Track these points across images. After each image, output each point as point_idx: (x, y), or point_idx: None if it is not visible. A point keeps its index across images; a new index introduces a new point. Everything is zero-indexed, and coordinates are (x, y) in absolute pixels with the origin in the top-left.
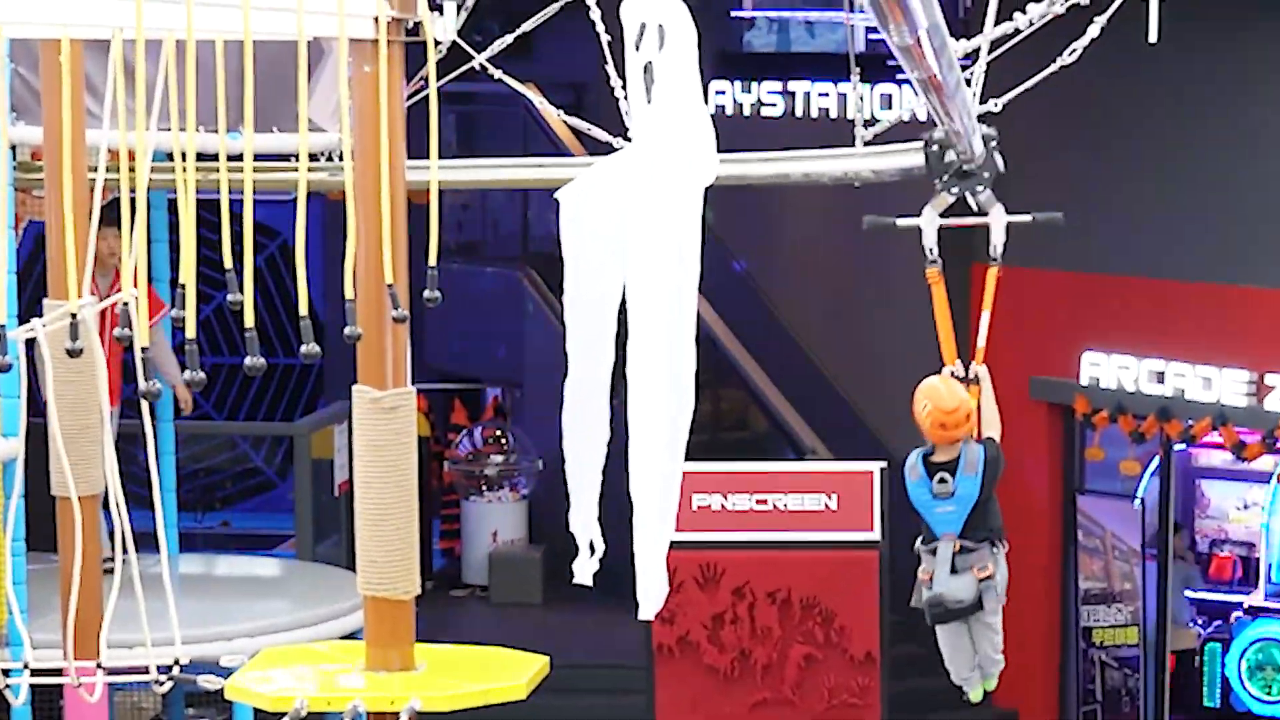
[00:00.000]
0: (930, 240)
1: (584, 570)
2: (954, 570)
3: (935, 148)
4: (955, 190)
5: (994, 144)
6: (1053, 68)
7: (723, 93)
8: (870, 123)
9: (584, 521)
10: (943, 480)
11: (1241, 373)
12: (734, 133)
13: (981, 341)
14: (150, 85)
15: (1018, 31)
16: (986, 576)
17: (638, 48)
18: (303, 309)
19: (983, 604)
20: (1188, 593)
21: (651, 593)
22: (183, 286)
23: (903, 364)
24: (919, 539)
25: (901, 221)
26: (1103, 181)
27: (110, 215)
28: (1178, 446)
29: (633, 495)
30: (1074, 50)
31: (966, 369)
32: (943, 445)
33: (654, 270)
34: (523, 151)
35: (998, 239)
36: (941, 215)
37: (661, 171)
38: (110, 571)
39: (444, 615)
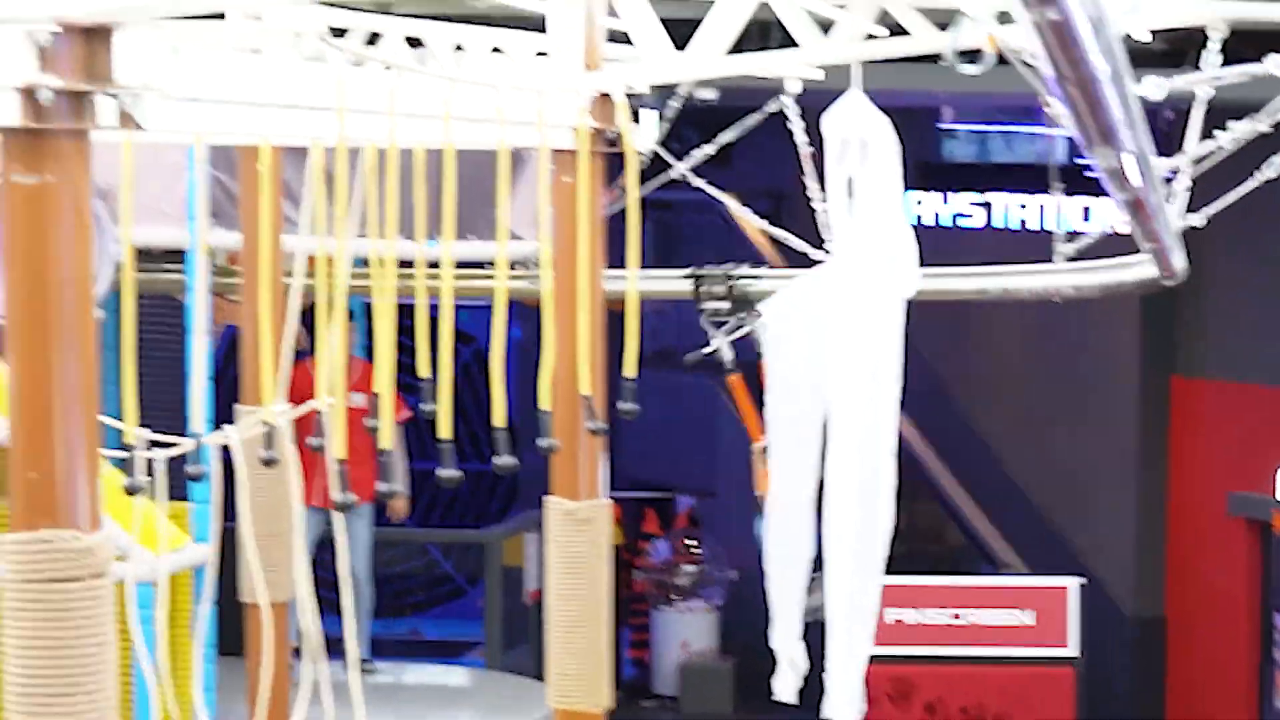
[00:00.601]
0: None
1: (786, 687)
2: None
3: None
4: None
5: None
6: (1253, 183)
7: (921, 203)
8: (1071, 236)
9: (786, 638)
10: None
11: None
12: (932, 244)
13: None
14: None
15: (1220, 149)
16: None
17: (840, 161)
18: (499, 421)
19: None
20: None
21: (845, 709)
22: (378, 395)
23: (1099, 479)
24: None
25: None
26: None
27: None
28: None
29: (827, 610)
30: (1275, 164)
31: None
32: None
33: (855, 384)
34: (720, 259)
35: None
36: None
37: (862, 285)
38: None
39: None
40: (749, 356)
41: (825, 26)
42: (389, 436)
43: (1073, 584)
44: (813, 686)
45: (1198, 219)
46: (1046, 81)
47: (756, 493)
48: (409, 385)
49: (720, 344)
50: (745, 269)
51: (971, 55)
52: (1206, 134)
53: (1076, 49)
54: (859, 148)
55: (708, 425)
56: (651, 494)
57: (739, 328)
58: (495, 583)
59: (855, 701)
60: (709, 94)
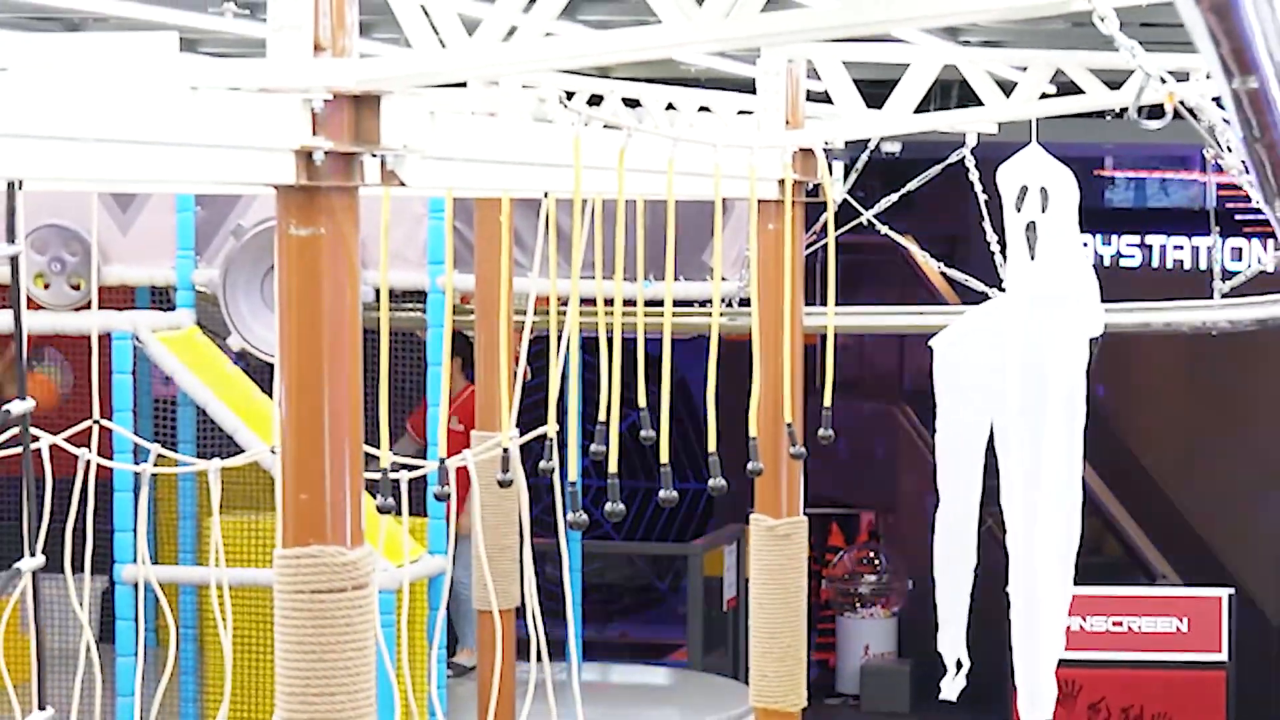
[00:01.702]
0: None
1: (952, 688)
2: None
3: None
4: None
5: None
6: None
7: (1085, 244)
8: (1226, 275)
9: (952, 642)
10: None
11: None
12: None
13: None
14: (577, 236)
15: None
16: None
17: (1019, 209)
18: (711, 445)
19: None
20: None
21: (1037, 704)
22: (605, 424)
23: (1249, 497)
24: None
25: None
26: None
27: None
28: None
29: (1013, 614)
30: None
31: None
32: None
33: (1044, 411)
34: (900, 297)
35: None
36: None
37: (1049, 320)
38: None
39: None
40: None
41: (1004, 86)
42: (615, 462)
43: (1224, 594)
44: (983, 685)
45: None
46: (1224, 138)
47: None
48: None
49: None
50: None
51: (1147, 110)
52: None
53: (1270, 114)
54: (1039, 195)
55: (887, 447)
56: (836, 510)
57: None
58: (697, 591)
59: (1048, 702)
60: (894, 147)
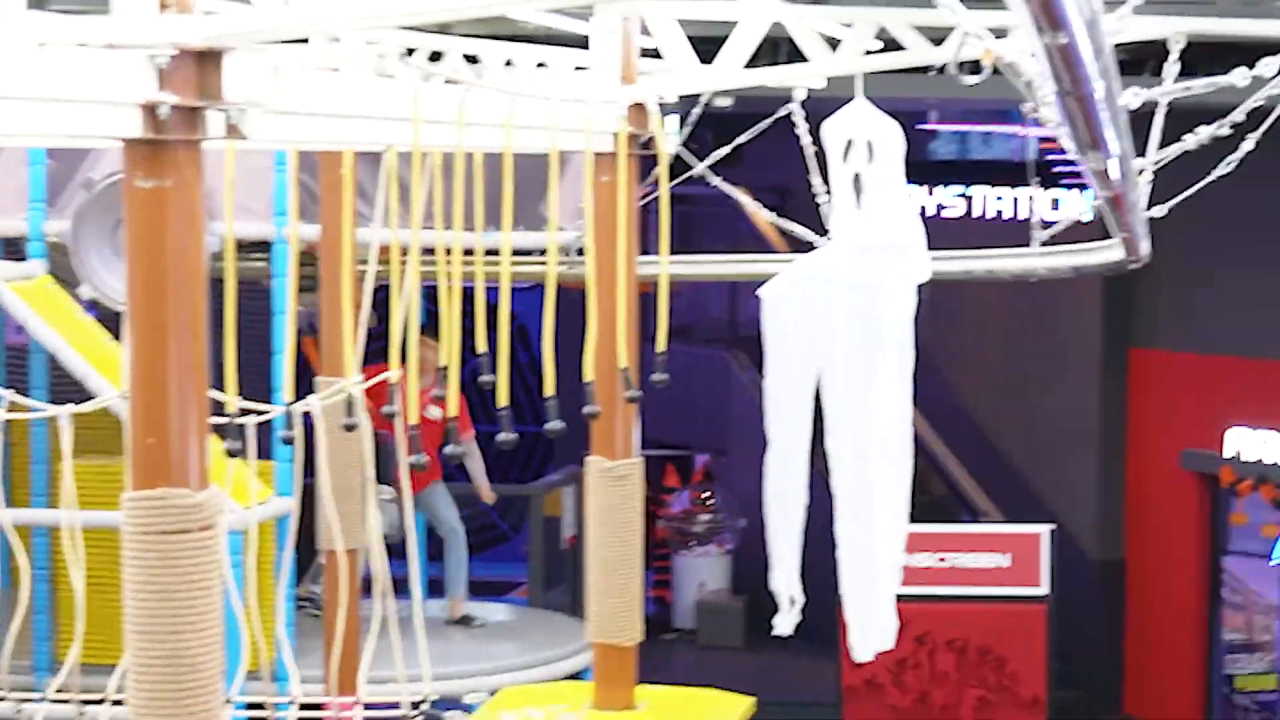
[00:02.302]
0: None
1: (785, 623)
2: None
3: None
4: None
5: None
6: (1211, 177)
7: (909, 195)
8: (1044, 225)
9: (785, 579)
10: None
11: None
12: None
13: None
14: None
15: (1185, 150)
16: None
17: (845, 159)
18: (549, 390)
19: None
20: None
21: (867, 639)
22: (444, 369)
23: (1066, 438)
24: None
25: None
26: (1252, 275)
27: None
28: None
29: (841, 552)
30: (1230, 162)
31: None
32: None
33: (869, 354)
34: (732, 246)
35: None
36: None
37: (875, 268)
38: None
39: (655, 656)
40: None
41: (829, 42)
42: (454, 405)
43: (1043, 531)
44: (811, 621)
45: (1159, 210)
46: (1040, 92)
47: None
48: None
49: None
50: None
51: (967, 66)
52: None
53: (1079, 69)
54: (865, 147)
55: (721, 391)
56: (672, 452)
57: None
58: (537, 530)
59: (882, 633)
60: (725, 101)
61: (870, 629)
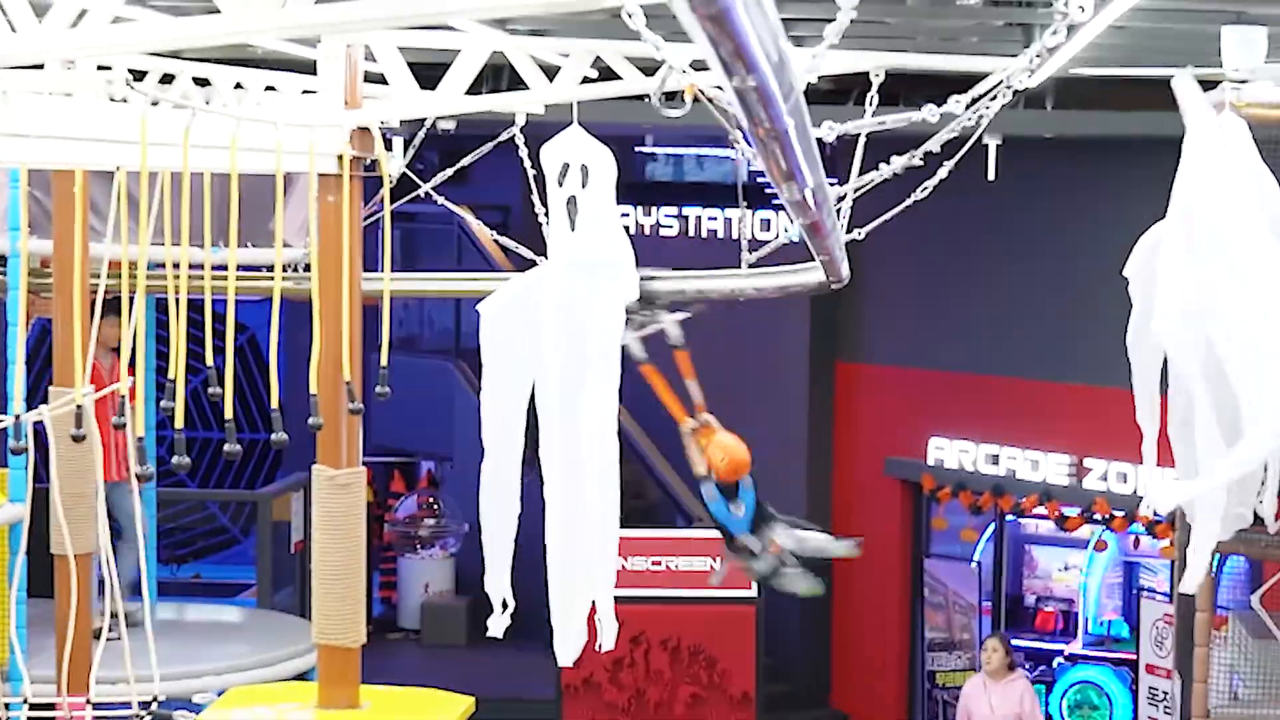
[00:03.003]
0: (638, 351)
1: (497, 625)
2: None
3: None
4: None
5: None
6: (908, 202)
7: (627, 215)
8: (754, 245)
9: (498, 583)
10: (736, 505)
11: (1064, 456)
12: (637, 250)
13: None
14: (145, 208)
15: (884, 179)
16: (777, 551)
17: (561, 183)
18: (274, 403)
19: (785, 563)
20: (1017, 640)
21: (569, 642)
22: (172, 381)
23: (776, 447)
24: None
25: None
26: (949, 294)
27: (113, 306)
28: (1009, 518)
29: (549, 558)
30: (926, 188)
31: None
32: (728, 480)
33: (580, 369)
34: (456, 263)
35: (675, 333)
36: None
37: (586, 286)
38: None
39: (381, 655)
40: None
41: (548, 70)
42: (181, 418)
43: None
44: (532, 621)
45: (858, 234)
46: (741, 128)
47: (696, 471)
48: (191, 367)
49: (630, 340)
50: (649, 270)
51: (672, 96)
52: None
53: (771, 108)
54: (580, 171)
55: (445, 400)
56: (397, 459)
57: (644, 325)
58: (266, 534)
59: (576, 640)
60: (449, 125)
61: (571, 634)
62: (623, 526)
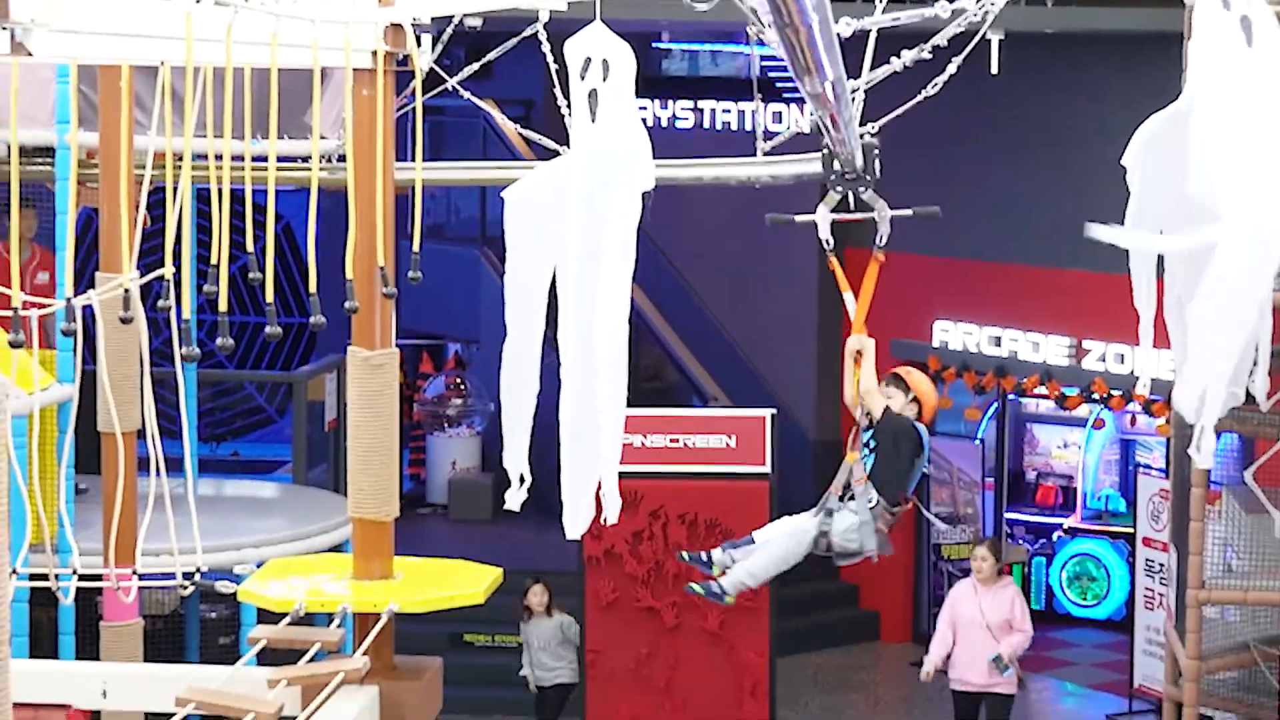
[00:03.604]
0: (825, 233)
1: (514, 499)
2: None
3: (827, 153)
4: (842, 190)
5: (875, 154)
6: (919, 98)
7: (644, 109)
8: (767, 136)
9: (516, 458)
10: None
11: (1064, 338)
12: (653, 143)
13: (860, 319)
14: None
15: (894, 72)
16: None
17: (583, 77)
18: (311, 287)
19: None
20: (1018, 514)
21: (578, 517)
22: (215, 266)
23: (788, 330)
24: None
25: (800, 218)
26: (956, 184)
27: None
28: (1011, 397)
29: (562, 436)
30: (936, 84)
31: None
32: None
33: (598, 255)
34: (482, 154)
35: (884, 230)
36: (833, 211)
37: (606, 176)
38: None
39: (411, 529)
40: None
41: None
42: (225, 301)
43: (767, 414)
44: (555, 496)
45: (871, 128)
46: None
47: (848, 398)
48: (231, 255)
49: (821, 219)
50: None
51: None
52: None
53: (798, 2)
54: (601, 66)
55: (472, 286)
56: (426, 341)
57: (845, 207)
58: (301, 414)
59: (585, 514)
60: (475, 21)
61: (581, 510)
62: (641, 406)
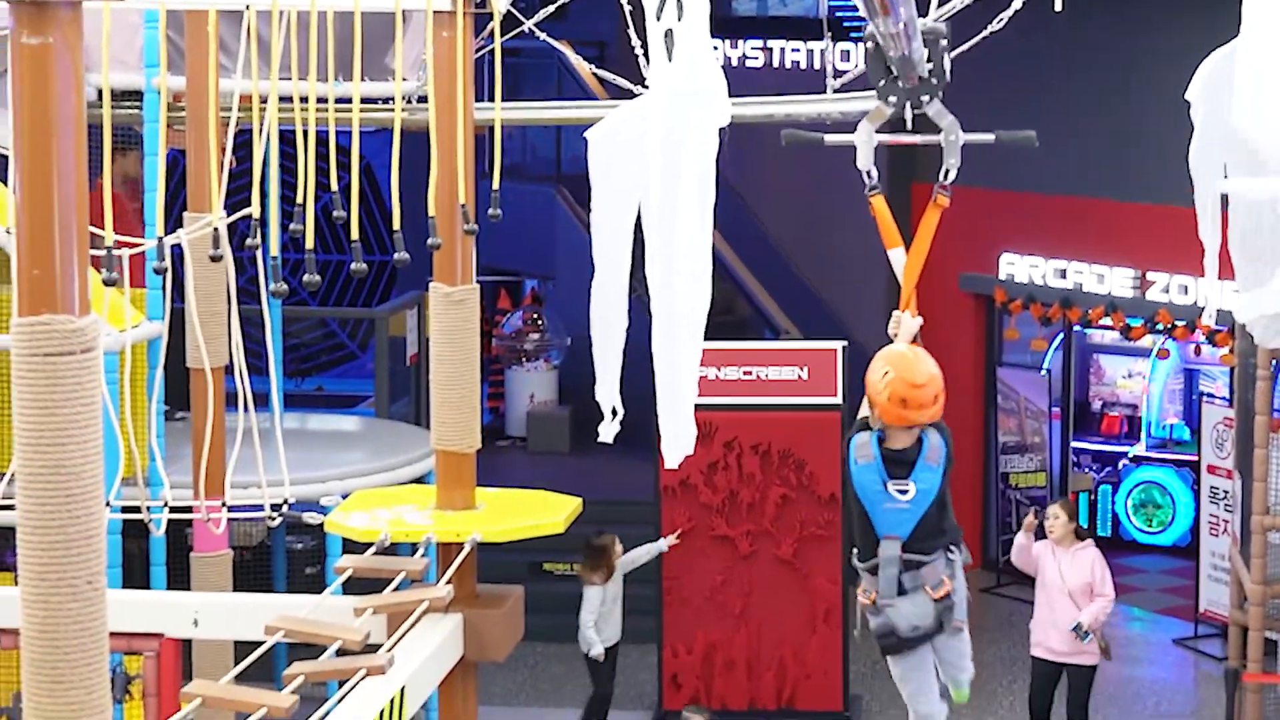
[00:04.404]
0: (865, 161)
1: (608, 431)
2: (903, 590)
3: (873, 46)
4: (896, 101)
5: (943, 47)
6: (984, 34)
7: (715, 48)
8: (836, 74)
9: (608, 393)
10: (901, 484)
11: (1128, 270)
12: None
13: (909, 289)
14: (276, 45)
15: (959, 9)
16: (943, 596)
17: (658, 17)
18: (395, 224)
19: (943, 626)
20: (1084, 444)
21: (677, 445)
22: (301, 206)
23: (861, 262)
24: (854, 552)
25: (830, 138)
26: (1019, 119)
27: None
28: (1076, 328)
29: (656, 368)
30: (1001, 19)
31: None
32: (896, 430)
33: (680, 193)
34: (556, 94)
35: (951, 161)
36: (880, 131)
37: (684, 113)
38: None
39: (490, 461)
40: None
41: None
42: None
43: (838, 346)
44: (630, 429)
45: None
46: None
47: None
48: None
49: (862, 146)
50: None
51: None
52: None
53: None
54: (675, 5)
55: (547, 223)
56: (504, 278)
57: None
58: (383, 349)
59: (688, 440)
60: None
61: (679, 437)
62: (715, 339)
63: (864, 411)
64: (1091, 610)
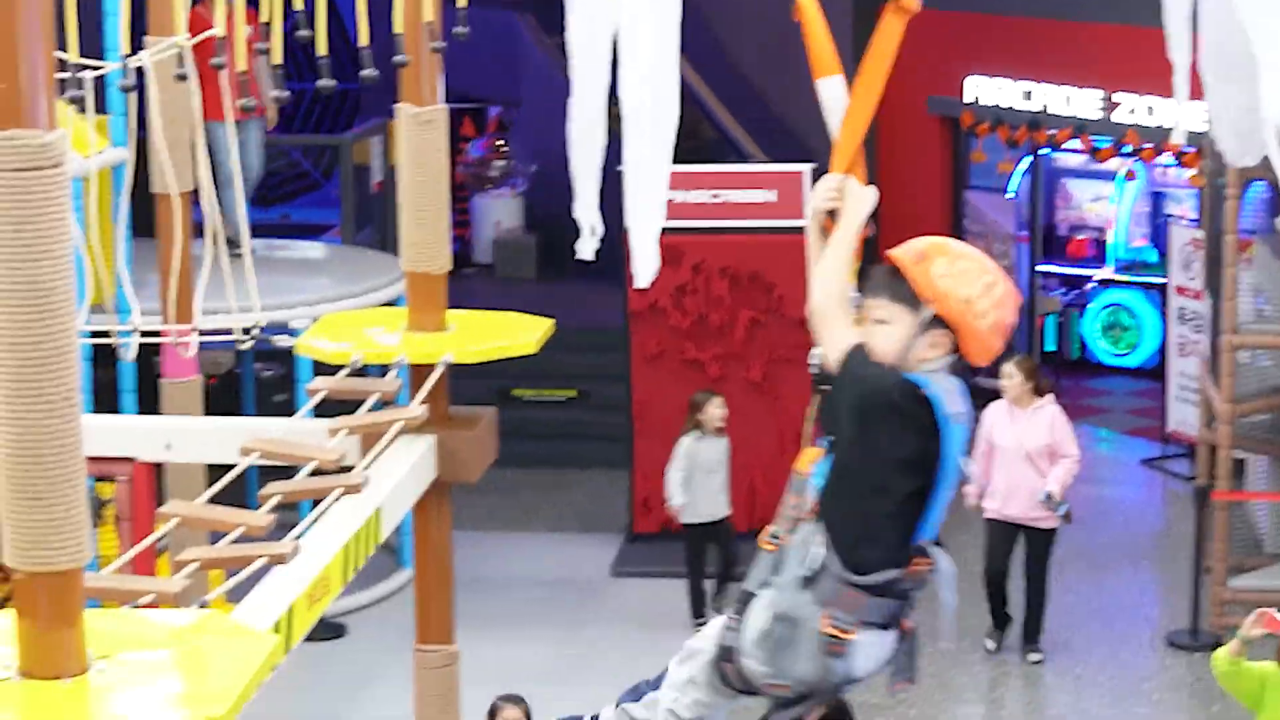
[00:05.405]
0: None
1: (587, 248)
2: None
3: None
4: None
5: None
6: None
7: None
8: None
9: (587, 209)
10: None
11: (1095, 92)
12: None
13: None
14: None
15: None
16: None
17: None
18: (363, 40)
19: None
20: (1051, 267)
21: (645, 267)
22: (267, 23)
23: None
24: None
25: None
26: None
27: None
28: (1044, 151)
29: (626, 189)
30: None
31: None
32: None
33: (646, 14)
34: None
35: None
36: None
37: None
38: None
39: (458, 288)
40: None
41: None
42: (279, 53)
43: (805, 169)
44: (597, 254)
45: None
46: None
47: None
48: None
49: None
50: None
51: None
52: None
53: None
54: None
55: (511, 50)
56: (468, 104)
57: None
58: (348, 177)
59: (652, 261)
60: None
61: (648, 257)
62: (682, 162)
63: (880, 338)
64: (1058, 475)
